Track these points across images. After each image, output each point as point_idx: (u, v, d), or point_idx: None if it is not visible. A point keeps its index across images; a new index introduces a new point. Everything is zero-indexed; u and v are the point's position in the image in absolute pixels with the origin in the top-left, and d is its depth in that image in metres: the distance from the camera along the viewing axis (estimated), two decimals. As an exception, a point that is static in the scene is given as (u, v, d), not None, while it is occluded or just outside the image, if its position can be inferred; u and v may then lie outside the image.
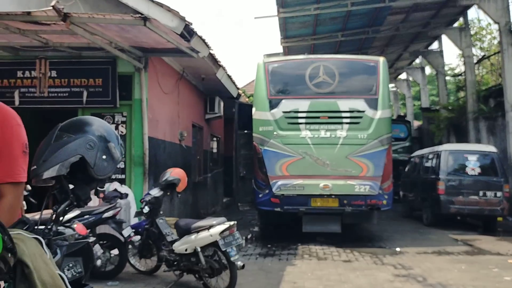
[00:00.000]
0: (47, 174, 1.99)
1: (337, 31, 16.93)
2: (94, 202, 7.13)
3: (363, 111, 8.95)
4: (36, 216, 2.18)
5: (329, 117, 8.98)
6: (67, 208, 2.11)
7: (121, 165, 8.36)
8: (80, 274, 2.21)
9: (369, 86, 9.18)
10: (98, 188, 2.17)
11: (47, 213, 2.20)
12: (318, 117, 9.00)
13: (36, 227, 2.05)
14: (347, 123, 8.94)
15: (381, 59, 9.45)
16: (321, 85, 9.15)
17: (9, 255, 1.53)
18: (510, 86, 13.31)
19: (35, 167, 2.03)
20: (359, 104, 9.00)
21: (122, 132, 8.31)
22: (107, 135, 2.14)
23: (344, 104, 9.00)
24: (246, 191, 10.45)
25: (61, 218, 2.13)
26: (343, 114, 8.98)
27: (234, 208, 12.90)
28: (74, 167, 2.05)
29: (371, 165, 8.78)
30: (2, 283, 1.61)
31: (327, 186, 8.71)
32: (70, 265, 2.15)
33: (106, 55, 7.97)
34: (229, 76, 12.10)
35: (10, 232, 1.68)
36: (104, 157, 2.06)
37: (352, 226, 10.15)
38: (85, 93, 8.17)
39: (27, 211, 6.73)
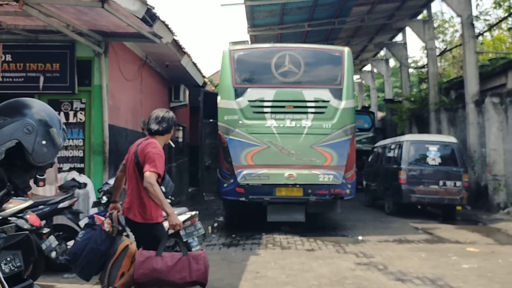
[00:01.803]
0: (-21, 161, 1.83)
1: (303, 21, 16.92)
2: (51, 191, 6.88)
3: (328, 101, 8.96)
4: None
5: (295, 107, 8.95)
6: (4, 198, 1.94)
7: (80, 153, 8.09)
8: (19, 269, 2.05)
9: (334, 76, 9.19)
10: (37, 176, 2.02)
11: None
12: (283, 107, 8.95)
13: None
14: (312, 112, 8.93)
15: (346, 50, 9.47)
16: (287, 74, 9.09)
17: None
18: (471, 78, 13.66)
19: (-34, 152, 1.86)
20: (324, 94, 9.00)
21: (80, 119, 8.03)
22: (49, 119, 1.99)
23: (310, 94, 8.98)
24: (212, 181, 10.30)
25: (-3, 208, 1.96)
26: (308, 104, 8.97)
27: (200, 198, 12.74)
28: (12, 153, 1.89)
29: (335, 155, 8.81)
30: None
31: (292, 176, 8.70)
32: (8, 258, 1.99)
33: (64, 39, 7.65)
34: (195, 64, 11.88)
35: None
36: (44, 142, 1.90)
37: (316, 215, 10.21)
38: (41, 79, 7.84)
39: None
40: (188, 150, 16.57)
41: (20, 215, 4.89)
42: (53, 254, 5.32)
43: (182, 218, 5.20)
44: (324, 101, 8.97)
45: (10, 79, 7.92)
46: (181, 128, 15.47)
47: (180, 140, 15.66)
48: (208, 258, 5.35)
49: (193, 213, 5.37)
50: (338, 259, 6.89)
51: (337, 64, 9.24)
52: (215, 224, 10.05)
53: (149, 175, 3.72)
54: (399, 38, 21.64)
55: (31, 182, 2.01)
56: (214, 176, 9.92)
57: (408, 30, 19.64)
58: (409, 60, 23.42)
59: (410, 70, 23.36)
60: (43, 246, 5.20)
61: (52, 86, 7.88)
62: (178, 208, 5.50)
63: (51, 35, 7.67)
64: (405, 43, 21.08)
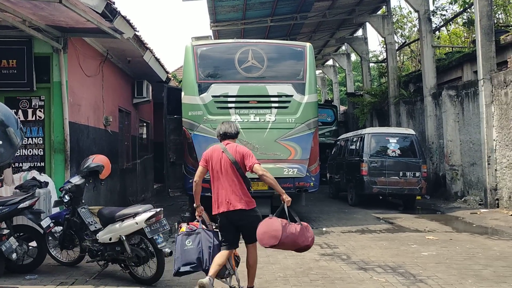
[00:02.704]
0: None
1: (266, 16, 17.00)
2: (6, 192, 6.68)
3: (291, 96, 9.07)
4: None
5: (258, 102, 9.00)
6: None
7: (40, 152, 7.90)
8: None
9: (296, 71, 9.29)
10: (-4, 176, 1.99)
11: None
12: (247, 102, 8.99)
13: None
14: (275, 107, 9.02)
15: (308, 45, 9.59)
16: (250, 69, 9.13)
17: None
18: (428, 72, 14.13)
19: None
20: (287, 88, 9.10)
21: (40, 117, 7.84)
22: (5, 118, 1.97)
23: (273, 89, 9.06)
24: (177, 177, 10.26)
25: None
26: (272, 99, 9.04)
27: (165, 194, 12.66)
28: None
29: (298, 149, 8.94)
30: None
31: (257, 170, 8.75)
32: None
33: (20, 34, 7.44)
34: (157, 59, 11.77)
35: None
36: (0, 142, 1.88)
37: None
38: (-3, 75, 7.58)
39: None
40: (152, 146, 16.40)
41: (-22, 216, 4.75)
42: (14, 255, 5.20)
43: (147, 215, 5.19)
44: (287, 95, 9.07)
45: (-37, 76, 7.62)
46: (145, 124, 15.29)
47: (145, 136, 15.48)
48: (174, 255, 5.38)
49: (158, 209, 5.34)
50: (303, 250, 7.02)
51: (299, 59, 9.35)
52: (181, 220, 9.99)
53: (258, 166, 4.64)
54: (359, 33, 22.09)
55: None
56: (179, 172, 9.88)
57: (368, 25, 20.07)
58: (370, 55, 23.93)
59: (371, 64, 23.88)
60: (3, 248, 5.07)
61: (9, 83, 7.65)
62: (142, 205, 5.47)
63: (7, 31, 7.43)
64: (365, 38, 21.53)
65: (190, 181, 9.02)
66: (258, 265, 6.04)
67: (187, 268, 4.69)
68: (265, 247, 4.69)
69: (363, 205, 12.03)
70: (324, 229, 8.82)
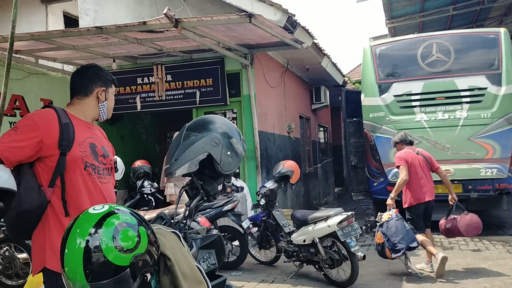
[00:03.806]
0: (179, 172, 2.11)
1: (447, 5, 15.69)
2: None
3: (485, 88, 8.21)
4: (172, 211, 2.32)
5: (447, 98, 8.39)
6: (198, 203, 2.21)
7: (235, 160, 8.65)
8: (214, 266, 2.31)
9: (490, 61, 8.38)
10: (225, 182, 2.25)
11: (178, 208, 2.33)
12: (433, 99, 8.45)
13: (172, 222, 2.18)
14: (467, 102, 8.27)
15: (503, 30, 8.58)
16: (435, 64, 8.57)
17: (154, 248, 1.62)
18: None
19: (167, 166, 2.16)
20: (480, 81, 8.27)
21: (237, 128, 8.59)
22: (230, 131, 2.21)
23: (463, 82, 8.33)
24: (359, 180, 10.20)
25: (193, 213, 2.24)
26: (462, 93, 8.32)
27: (347, 198, 12.68)
28: (202, 164, 2.14)
29: (497, 146, 8.03)
30: (148, 275, 1.72)
31: (449, 171, 8.12)
32: (205, 257, 2.26)
33: (215, 55, 8.29)
34: (334, 64, 11.89)
35: (152, 227, 1.80)
36: (228, 153, 2.12)
37: (478, 213, 9.39)
38: (197, 94, 8.59)
39: (155, 207, 7.27)
40: (331, 150, 16.59)
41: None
42: (221, 253, 5.80)
43: (338, 218, 5.26)
44: (480, 88, 8.24)
45: (172, 97, 8.83)
46: (323, 128, 15.58)
47: (323, 140, 15.77)
48: (366, 259, 5.36)
49: (349, 213, 5.38)
50: (510, 260, 6.26)
51: (492, 47, 8.41)
52: (366, 225, 9.87)
53: (441, 168, 6.18)
54: None
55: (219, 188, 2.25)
56: (361, 175, 9.80)
57: None
58: None
59: None
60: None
61: (207, 99, 8.58)
62: (333, 209, 5.56)
63: (203, 53, 8.38)
64: None
65: (375, 184, 8.89)
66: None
67: (415, 244, 5.51)
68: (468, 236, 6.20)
69: None
70: (535, 237, 7.73)
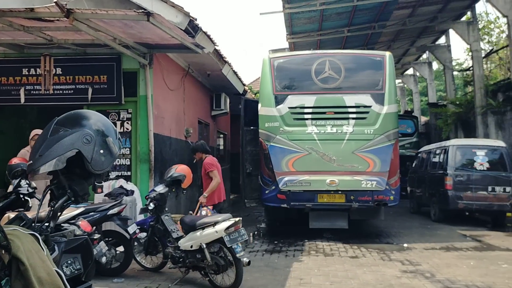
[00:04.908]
0: (43, 169, 1.95)
1: (343, 27, 16.79)
2: (99, 199, 7.13)
3: (370, 106, 8.86)
4: (34, 213, 2.14)
5: (335, 113, 8.90)
6: (64, 204, 2.06)
7: (127, 162, 8.36)
8: (79, 271, 2.17)
9: (375, 81, 9.08)
10: (96, 183, 2.13)
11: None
12: (324, 113, 8.92)
13: (33, 224, 2.01)
14: (353, 118, 8.85)
15: (387, 54, 9.34)
16: (327, 80, 9.07)
17: (3, 251, 1.48)
18: (519, 80, 13.13)
19: (31, 162, 2.00)
20: (366, 99, 8.91)
21: (127, 128, 8.30)
22: (105, 129, 2.10)
23: (351, 99, 8.91)
24: (253, 188, 10.37)
25: (58, 214, 2.09)
26: (350, 110, 8.90)
27: (241, 205, 12.84)
28: (72, 162, 2.01)
29: (377, 161, 8.69)
30: (-2, 280, 1.57)
31: (334, 182, 8.64)
32: (69, 261, 2.11)
33: (111, 51, 7.96)
34: (235, 72, 12.05)
35: (5, 229, 1.64)
36: (101, 151, 2.01)
37: (359, 222, 10.08)
38: (90, 90, 8.18)
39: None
40: (229, 157, 16.75)
41: (72, 221, 5.11)
42: (103, 259, 5.53)
43: (226, 224, 5.29)
44: (365, 106, 8.88)
45: (61, 91, 8.30)
46: (222, 135, 15.68)
47: (222, 147, 15.86)
48: (252, 265, 5.44)
49: (237, 219, 5.43)
50: (383, 266, 6.78)
51: (378, 69, 9.13)
52: (256, 231, 10.09)
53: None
54: (442, 40, 21.07)
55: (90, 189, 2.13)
56: (255, 183, 9.99)
57: (451, 32, 19.12)
58: (453, 62, 22.72)
59: (455, 73, 22.68)
60: (94, 252, 5.40)
61: (100, 97, 8.19)
62: (222, 215, 5.59)
63: (99, 48, 8.00)
64: (448, 46, 20.49)
65: (267, 192, 9.12)
66: (335, 279, 5.95)
67: None
68: None
69: (447, 221, 11.38)
70: (405, 245, 8.46)
